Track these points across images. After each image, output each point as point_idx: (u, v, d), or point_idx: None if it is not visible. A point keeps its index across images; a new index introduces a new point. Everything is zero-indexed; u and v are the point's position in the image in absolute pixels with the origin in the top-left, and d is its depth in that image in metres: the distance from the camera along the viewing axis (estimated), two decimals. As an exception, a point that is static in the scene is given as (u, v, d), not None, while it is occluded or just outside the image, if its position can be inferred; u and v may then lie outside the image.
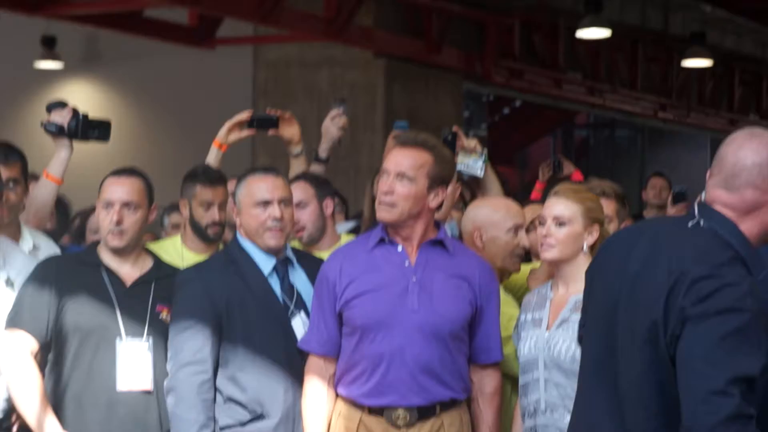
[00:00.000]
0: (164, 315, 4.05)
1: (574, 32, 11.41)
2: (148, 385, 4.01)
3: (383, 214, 3.80)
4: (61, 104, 4.70)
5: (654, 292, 2.86)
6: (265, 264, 4.09)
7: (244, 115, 5.10)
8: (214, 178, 4.80)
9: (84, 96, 12.31)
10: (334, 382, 3.88)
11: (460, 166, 4.97)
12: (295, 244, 4.99)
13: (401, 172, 3.78)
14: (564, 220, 3.89)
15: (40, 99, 12.41)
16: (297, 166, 5.20)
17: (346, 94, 10.82)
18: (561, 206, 3.91)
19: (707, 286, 2.79)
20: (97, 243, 4.16)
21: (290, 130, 5.21)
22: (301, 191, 4.86)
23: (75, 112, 4.65)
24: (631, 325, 2.91)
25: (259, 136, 5.44)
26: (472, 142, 5.03)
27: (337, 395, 3.89)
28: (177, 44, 10.49)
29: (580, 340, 3.18)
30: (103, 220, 4.05)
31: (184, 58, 11.16)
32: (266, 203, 4.06)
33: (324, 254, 4.59)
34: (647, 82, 14.08)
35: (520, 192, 18.48)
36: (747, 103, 16.15)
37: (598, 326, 3.03)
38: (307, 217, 4.85)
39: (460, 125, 11.53)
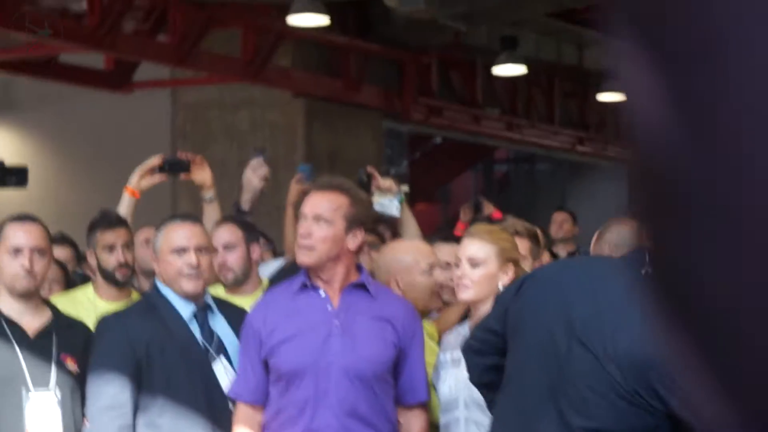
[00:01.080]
0: (69, 364, 4.02)
1: (491, 69, 11.53)
2: None
3: (302, 257, 3.83)
4: None
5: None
6: (185, 310, 4.09)
7: (155, 161, 5.09)
8: (113, 220, 4.81)
9: (0, 142, 12.17)
10: (262, 429, 3.88)
11: (376, 206, 5.00)
12: (219, 288, 4.99)
13: (318, 214, 3.82)
14: (478, 261, 3.91)
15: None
16: (210, 212, 5.18)
17: (266, 134, 10.82)
18: (475, 247, 3.93)
19: None
20: None
21: (202, 175, 5.20)
22: (229, 233, 4.89)
23: None
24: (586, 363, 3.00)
25: (179, 182, 5.43)
26: (387, 182, 5.07)
27: None
28: (94, 89, 10.43)
29: (471, 351, 3.27)
30: (9, 266, 3.99)
31: (102, 102, 11.09)
32: (182, 250, 4.06)
33: (246, 300, 4.60)
34: (565, 116, 14.26)
35: (444, 228, 18.59)
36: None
37: (538, 358, 3.08)
38: (233, 259, 4.87)
39: (380, 163, 11.67)
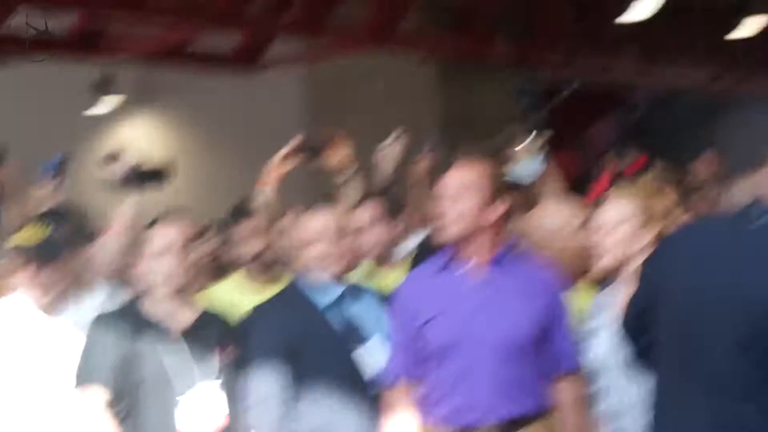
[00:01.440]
0: (227, 354, 4.08)
1: (624, 10, 11.30)
2: (214, 429, 4.04)
3: (442, 235, 3.82)
4: (117, 156, 4.77)
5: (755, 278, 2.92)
6: (323, 298, 4.12)
7: (294, 143, 5.10)
8: (244, 211, 4.91)
9: (140, 134, 12.41)
10: (416, 407, 3.89)
11: (515, 171, 4.93)
12: (365, 265, 5.00)
13: (453, 193, 3.79)
14: (615, 223, 3.85)
15: (95, 141, 12.54)
16: (352, 192, 5.16)
17: (399, 101, 10.81)
18: (612, 211, 3.87)
19: None
20: (135, 299, 4.15)
21: (339, 154, 5.16)
22: (374, 210, 4.91)
23: (130, 162, 4.72)
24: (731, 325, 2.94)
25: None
26: (530, 145, 4.99)
27: (420, 420, 3.90)
28: (226, 74, 10.57)
29: (634, 338, 3.22)
30: (155, 267, 4.05)
31: (235, 86, 11.21)
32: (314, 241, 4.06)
33: (392, 274, 4.60)
34: (703, 53, 13.91)
35: (583, 177, 18.37)
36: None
37: (679, 326, 2.99)
38: (378, 236, 4.89)
39: (517, 119, 11.52)
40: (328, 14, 9.24)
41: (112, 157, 4.80)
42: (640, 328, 3.24)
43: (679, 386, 3.02)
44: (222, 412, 4.01)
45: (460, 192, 3.77)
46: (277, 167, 5.06)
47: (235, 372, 4.06)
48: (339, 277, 4.11)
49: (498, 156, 4.86)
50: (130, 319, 4.06)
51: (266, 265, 4.78)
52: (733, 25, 12.86)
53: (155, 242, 4.06)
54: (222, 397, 4.03)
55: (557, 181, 5.15)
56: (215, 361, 4.05)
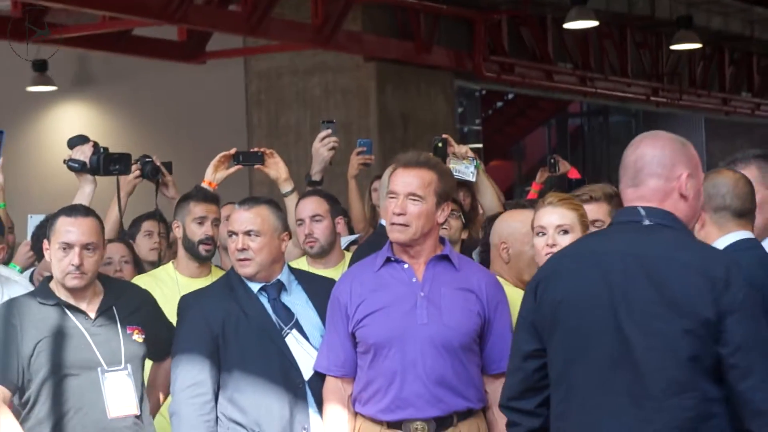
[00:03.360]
0: (136, 335, 4.08)
1: (561, 23, 11.45)
2: (134, 410, 4.03)
3: (397, 235, 3.87)
4: (82, 140, 4.78)
5: (692, 293, 2.94)
6: (255, 287, 4.17)
7: (229, 152, 5.16)
8: (208, 195, 4.88)
9: (77, 117, 12.36)
10: (352, 401, 3.94)
11: (452, 170, 5.02)
12: (302, 261, 5.07)
13: (411, 192, 3.86)
14: (567, 228, 3.95)
15: (34, 122, 12.48)
16: (291, 205, 5.23)
17: (339, 99, 10.88)
18: (562, 215, 3.97)
19: (736, 280, 2.95)
20: (48, 279, 4.11)
21: (276, 169, 5.24)
22: (317, 205, 5.02)
23: (96, 147, 4.73)
24: (658, 327, 2.95)
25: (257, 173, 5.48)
26: (462, 149, 5.09)
27: (355, 414, 3.95)
28: (167, 61, 10.54)
29: (530, 358, 3.16)
30: (61, 261, 3.99)
31: (175, 73, 11.20)
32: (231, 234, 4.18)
33: (330, 272, 4.66)
34: (638, 67, 14.12)
35: (517, 184, 18.54)
36: (738, 81, 16.20)
37: (594, 341, 3.03)
38: (320, 230, 4.99)
39: (453, 123, 11.64)
40: (268, 12, 9.27)
41: (79, 140, 4.81)
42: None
43: (597, 397, 2.99)
44: (132, 397, 4.03)
45: (421, 191, 3.85)
46: (212, 174, 5.12)
47: (147, 345, 4.08)
48: (257, 277, 4.15)
49: (437, 155, 4.94)
50: (42, 302, 4.01)
51: (206, 254, 4.80)
52: (670, 42, 13.06)
53: (59, 236, 3.99)
54: (130, 380, 4.02)
55: (491, 187, 5.23)
56: (130, 339, 4.05)
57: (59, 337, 3.99)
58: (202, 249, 4.79)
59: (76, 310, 4.02)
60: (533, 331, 3.14)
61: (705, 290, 2.94)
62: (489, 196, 5.19)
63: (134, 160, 5.23)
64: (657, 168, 3.08)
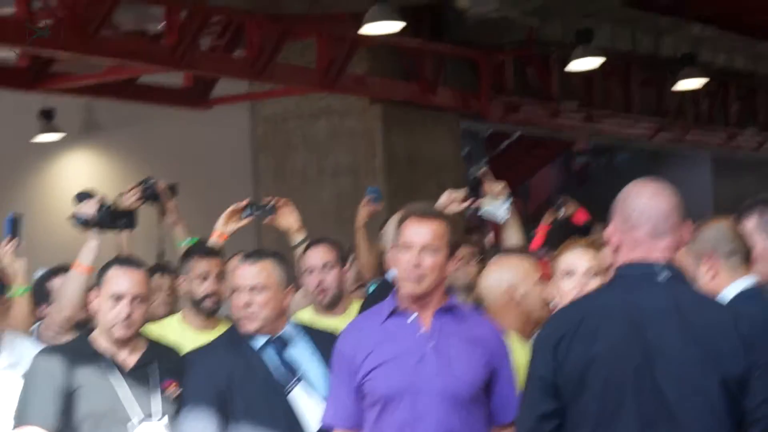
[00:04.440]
0: (171, 390, 4.09)
1: (566, 62, 11.47)
2: None
3: (413, 287, 3.83)
4: (88, 195, 4.82)
5: (725, 350, 2.97)
6: (258, 342, 4.18)
7: (241, 204, 5.17)
8: (209, 250, 4.87)
9: (85, 165, 12.37)
10: None
11: (484, 211, 5.01)
12: (307, 311, 5.05)
13: (427, 244, 3.82)
14: (596, 271, 3.96)
15: (41, 172, 12.49)
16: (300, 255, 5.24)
17: (345, 141, 10.88)
18: (591, 258, 3.98)
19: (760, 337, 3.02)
20: (87, 332, 4.15)
21: (288, 219, 5.25)
22: (328, 253, 4.99)
23: (102, 203, 4.78)
24: (697, 382, 2.96)
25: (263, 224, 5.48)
26: (498, 186, 5.06)
27: None
28: (173, 107, 10.57)
29: (547, 419, 3.06)
30: (110, 311, 4.04)
31: (182, 119, 11.23)
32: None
33: (337, 321, 4.64)
34: (643, 105, 14.12)
35: (524, 225, 18.52)
36: (744, 117, 16.20)
37: (629, 399, 2.99)
38: (331, 279, 4.97)
39: (459, 163, 11.64)
40: (274, 57, 9.31)
41: (85, 195, 4.85)
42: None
43: None
44: None
45: (436, 243, 3.82)
46: (224, 225, 5.13)
47: (176, 409, 4.09)
48: (261, 331, 4.15)
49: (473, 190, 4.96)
50: (78, 352, 4.05)
51: (211, 308, 4.79)
52: (675, 80, 13.08)
53: (110, 286, 4.06)
54: None
55: (519, 227, 5.24)
56: (161, 397, 4.06)
57: (92, 388, 4.01)
58: (207, 303, 4.78)
59: (113, 362, 4.05)
60: (552, 391, 3.05)
61: (736, 347, 2.96)
62: (514, 235, 5.19)
63: (138, 182, 5.27)
64: (672, 221, 3.08)
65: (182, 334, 4.72)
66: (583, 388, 3.01)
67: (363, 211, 6.01)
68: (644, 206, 3.08)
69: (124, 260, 4.20)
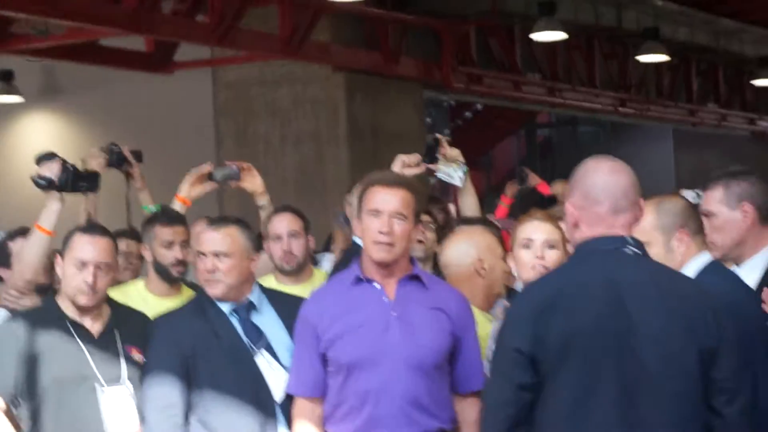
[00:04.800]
0: (135, 355, 4.09)
1: (529, 34, 11.48)
2: (136, 428, 4.05)
3: (383, 254, 3.82)
4: (50, 157, 4.75)
5: (700, 322, 3.05)
6: (225, 308, 4.17)
7: (204, 168, 5.14)
8: (173, 217, 4.83)
9: (45, 128, 12.28)
10: (323, 421, 3.91)
11: (440, 174, 5.02)
12: (270, 278, 5.05)
13: (397, 211, 3.82)
14: (554, 243, 3.98)
15: (0, 133, 12.39)
16: (265, 216, 5.23)
17: (308, 109, 10.87)
18: (549, 230, 4.00)
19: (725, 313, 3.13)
20: (54, 293, 4.14)
21: (252, 182, 5.24)
22: (294, 222, 5.02)
23: (64, 164, 4.71)
24: (669, 356, 3.03)
25: (226, 189, 5.47)
26: (454, 152, 5.08)
27: None
28: (135, 71, 10.50)
29: (525, 390, 3.07)
30: (74, 278, 4.02)
31: (143, 84, 11.16)
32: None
33: (300, 288, 4.65)
34: (605, 78, 14.18)
35: (487, 194, 18.61)
36: (705, 93, 16.30)
37: (611, 372, 3.03)
38: (297, 247, 5.00)
39: (422, 133, 11.65)
40: (236, 23, 9.25)
41: (47, 157, 4.78)
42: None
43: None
44: (133, 415, 4.02)
45: (405, 211, 3.81)
46: (187, 191, 5.10)
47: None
48: (226, 297, 4.15)
49: (428, 155, 4.97)
50: (46, 317, 4.04)
51: (177, 276, 4.76)
52: (637, 54, 13.14)
53: (75, 253, 4.03)
54: (132, 400, 4.03)
55: (474, 195, 5.25)
56: (131, 359, 4.07)
57: (58, 352, 4.00)
58: (174, 271, 4.74)
59: (79, 326, 4.04)
60: (529, 364, 3.05)
61: (709, 320, 3.05)
62: (471, 203, 5.21)
63: (101, 147, 5.22)
64: (631, 197, 3.13)
65: (145, 300, 4.69)
66: (565, 360, 3.03)
67: (340, 236, 6.05)
68: (604, 183, 3.11)
69: (89, 227, 4.16)
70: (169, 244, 4.71)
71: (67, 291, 4.05)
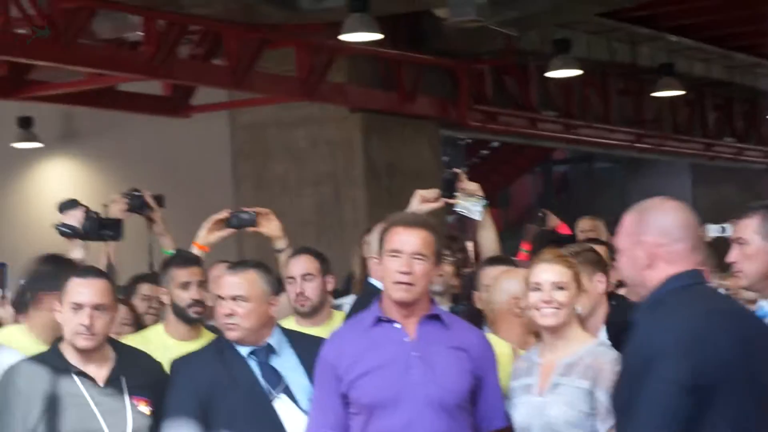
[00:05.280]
0: (142, 407, 4.05)
1: (544, 71, 11.52)
2: None
3: (403, 294, 3.83)
4: (74, 204, 4.77)
5: None
6: (243, 351, 4.17)
7: (221, 215, 5.15)
8: (188, 258, 4.83)
9: (64, 172, 12.36)
10: None
11: (459, 209, 5.02)
12: (291, 320, 5.06)
13: (417, 252, 3.83)
14: (563, 285, 3.98)
15: (20, 179, 12.47)
16: (284, 260, 5.24)
17: (325, 150, 10.90)
18: (558, 271, 4.00)
19: None
20: (58, 341, 4.09)
21: (269, 227, 5.25)
22: (309, 264, 5.02)
23: (87, 212, 4.71)
24: None
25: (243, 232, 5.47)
26: (472, 186, 5.07)
27: None
28: (153, 115, 10.57)
29: (689, 421, 3.03)
30: (71, 322, 3.99)
31: (161, 127, 11.23)
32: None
33: (318, 330, 4.66)
34: (621, 114, 14.20)
35: (504, 232, 18.62)
36: (721, 127, 16.29)
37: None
38: (311, 289, 4.98)
39: (440, 171, 11.66)
40: (253, 65, 9.32)
41: (70, 205, 4.81)
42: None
43: None
44: None
45: (425, 251, 3.83)
46: (206, 235, 5.11)
47: (156, 418, 4.04)
48: (245, 341, 4.15)
49: (446, 190, 4.98)
50: (50, 365, 4.00)
51: (196, 317, 4.75)
52: (653, 89, 13.15)
53: (70, 296, 4.00)
54: None
55: (494, 230, 5.24)
56: (137, 410, 4.02)
57: (64, 405, 3.96)
58: (192, 312, 4.73)
59: (84, 375, 4.00)
60: (689, 393, 3.01)
61: None
62: (491, 237, 5.20)
63: (123, 193, 5.24)
64: (701, 235, 3.25)
65: (165, 344, 4.67)
66: (724, 388, 3.04)
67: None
68: (682, 221, 3.18)
69: (83, 271, 4.14)
70: (186, 285, 4.70)
71: (67, 336, 4.02)
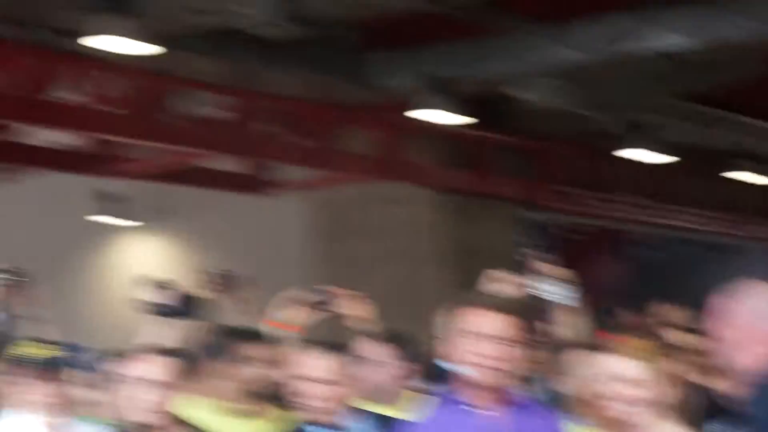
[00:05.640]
0: None
1: (618, 153, 11.47)
2: None
3: (488, 378, 3.78)
4: (167, 284, 4.82)
5: None
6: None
7: (297, 294, 5.07)
8: (252, 335, 4.76)
9: (145, 250, 12.45)
10: None
11: (543, 293, 4.93)
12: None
13: (506, 336, 3.79)
14: (639, 382, 3.90)
15: (101, 254, 12.58)
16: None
17: (401, 229, 10.88)
18: (634, 365, 3.93)
19: None
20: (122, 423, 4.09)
21: (347, 306, 5.16)
22: (383, 350, 4.87)
23: (181, 292, 4.76)
24: None
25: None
26: (561, 270, 4.99)
27: None
28: (234, 192, 10.66)
29: None
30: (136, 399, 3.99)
31: (238, 206, 11.29)
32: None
33: (387, 409, 4.60)
34: (695, 196, 14.08)
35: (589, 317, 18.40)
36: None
37: None
38: (381, 376, 4.85)
39: (517, 252, 11.56)
40: (333, 144, 9.38)
41: (163, 285, 4.86)
42: None
43: None
44: None
45: (515, 336, 3.79)
46: (281, 316, 5.07)
47: None
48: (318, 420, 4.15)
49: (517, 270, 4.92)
50: None
51: (257, 393, 4.71)
52: (727, 171, 13.04)
53: (131, 370, 4.02)
54: None
55: (584, 314, 5.15)
56: None
57: None
58: (252, 388, 4.66)
59: None
60: None
61: None
62: (580, 323, 5.10)
63: (216, 273, 5.25)
64: None
65: (221, 419, 4.67)
66: None
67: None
68: None
69: (145, 349, 4.14)
70: (249, 361, 4.68)
71: (126, 411, 4.02)
